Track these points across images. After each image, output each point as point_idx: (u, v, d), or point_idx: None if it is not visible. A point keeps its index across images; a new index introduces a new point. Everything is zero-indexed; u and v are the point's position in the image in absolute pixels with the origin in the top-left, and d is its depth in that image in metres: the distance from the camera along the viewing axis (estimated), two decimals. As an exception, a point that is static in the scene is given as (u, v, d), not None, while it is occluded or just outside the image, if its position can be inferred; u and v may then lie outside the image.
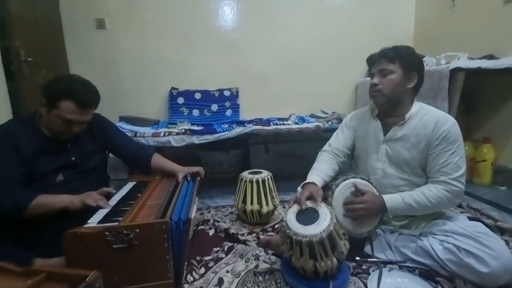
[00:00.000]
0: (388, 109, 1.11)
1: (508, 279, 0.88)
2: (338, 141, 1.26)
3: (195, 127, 1.92)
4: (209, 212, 1.67)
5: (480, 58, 1.77)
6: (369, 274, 1.00)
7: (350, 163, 1.38)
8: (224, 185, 2.17)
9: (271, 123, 2.04)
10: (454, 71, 1.57)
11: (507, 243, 1.14)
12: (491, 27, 1.85)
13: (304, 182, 1.09)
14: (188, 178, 1.30)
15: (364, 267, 1.06)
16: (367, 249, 1.15)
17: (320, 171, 1.14)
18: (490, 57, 1.78)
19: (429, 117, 1.06)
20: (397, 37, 2.40)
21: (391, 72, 1.05)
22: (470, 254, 0.91)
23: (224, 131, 1.79)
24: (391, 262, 1.06)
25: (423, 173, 1.09)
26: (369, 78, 1.17)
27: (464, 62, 1.63)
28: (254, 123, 2.04)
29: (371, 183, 1.11)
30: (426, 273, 0.99)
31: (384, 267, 1.03)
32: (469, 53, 1.79)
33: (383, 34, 2.37)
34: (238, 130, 1.81)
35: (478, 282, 0.91)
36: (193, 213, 1.00)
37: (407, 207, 1.05)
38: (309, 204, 0.97)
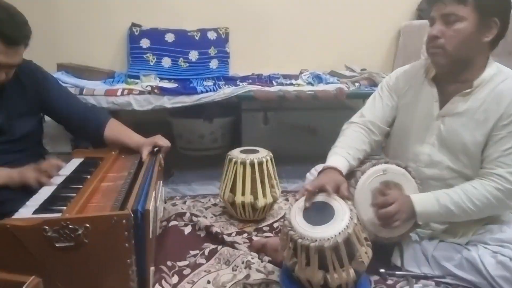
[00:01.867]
0: (452, 71, 1.10)
1: None
2: (375, 110, 1.26)
3: (165, 84, 1.91)
4: (185, 203, 1.71)
5: None
6: (395, 291, 1.07)
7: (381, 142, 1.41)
8: (205, 166, 2.18)
9: (273, 82, 2.03)
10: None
11: None
12: None
13: (323, 166, 1.11)
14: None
15: (389, 282, 1.12)
16: (396, 259, 1.21)
17: (346, 151, 1.15)
18: None
19: (506, 86, 1.06)
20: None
21: (461, 19, 1.02)
22: (528, 270, 0.98)
23: (207, 91, 1.78)
24: (425, 277, 1.13)
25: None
26: (418, 22, 1.16)
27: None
28: (250, 81, 2.02)
29: (409, 172, 1.14)
30: (469, 292, 1.06)
31: (416, 283, 1.10)
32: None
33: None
34: (226, 91, 1.80)
35: (535, 305, 0.98)
36: (154, 203, 1.02)
37: (443, 211, 1.07)
38: (321, 198, 1.01)
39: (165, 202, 1.68)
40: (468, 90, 1.09)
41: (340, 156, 1.13)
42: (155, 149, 1.33)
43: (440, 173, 1.16)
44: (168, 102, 1.74)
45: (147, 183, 1.08)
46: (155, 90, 1.75)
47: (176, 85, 1.89)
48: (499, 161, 1.05)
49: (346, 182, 1.03)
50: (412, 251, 1.20)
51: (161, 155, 1.31)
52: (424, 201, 1.09)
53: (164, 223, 1.44)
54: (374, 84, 1.98)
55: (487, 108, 1.07)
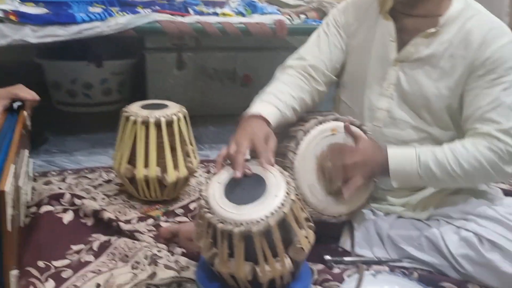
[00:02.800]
0: (412, 2, 1.15)
1: (538, 282, 1.10)
2: (319, 52, 1.29)
3: (29, 8, 1.78)
4: (64, 180, 1.68)
5: None
6: (342, 282, 1.14)
7: (332, 95, 1.46)
8: (94, 129, 2.16)
9: (190, 10, 2.00)
10: None
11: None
12: None
13: (244, 115, 1.10)
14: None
15: (336, 270, 1.20)
16: (345, 242, 1.29)
17: (276, 96, 1.17)
18: None
19: (475, 23, 1.13)
20: None
21: None
22: (495, 248, 1.09)
23: (91, 19, 1.71)
24: (378, 262, 1.22)
25: (452, 124, 1.21)
26: None
27: None
28: (157, 7, 1.98)
29: (364, 132, 1.20)
30: (427, 277, 1.16)
31: (367, 269, 1.17)
32: None
33: None
34: (121, 21, 1.74)
35: (499, 287, 1.11)
36: (14, 182, 1.00)
37: (423, 172, 1.12)
38: (251, 167, 1.02)
39: (35, 180, 1.63)
40: (432, 30, 1.15)
41: (266, 103, 1.14)
42: (15, 104, 1.29)
43: (401, 134, 1.24)
44: (32, 35, 1.64)
45: (1, 153, 1.04)
46: (12, 17, 1.62)
47: (46, 10, 1.77)
48: (485, 118, 1.12)
49: (272, 136, 1.04)
50: (365, 231, 1.28)
51: (25, 113, 1.27)
52: (400, 156, 1.14)
53: (34, 209, 1.40)
54: (325, 16, 2.01)
55: (454, 53, 1.14)
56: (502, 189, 1.37)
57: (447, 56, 1.15)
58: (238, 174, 0.97)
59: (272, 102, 1.15)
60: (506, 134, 1.09)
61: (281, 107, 1.15)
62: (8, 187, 0.90)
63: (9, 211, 0.93)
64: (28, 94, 1.30)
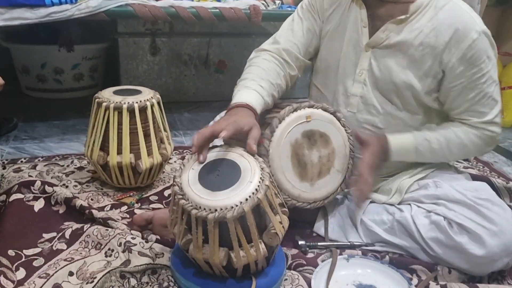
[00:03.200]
0: None
1: (504, 262, 1.13)
2: (293, 36, 1.29)
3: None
4: (34, 167, 1.66)
5: None
6: (316, 266, 1.15)
7: (307, 82, 1.47)
8: (65, 115, 2.13)
9: (163, -6, 1.95)
10: None
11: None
12: None
13: (231, 105, 1.09)
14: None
15: (310, 255, 1.22)
16: (319, 227, 1.32)
17: (258, 83, 1.16)
18: None
19: (446, 15, 1.15)
20: None
21: None
22: (463, 231, 1.13)
23: (60, 2, 1.67)
24: (351, 246, 1.25)
25: (420, 110, 1.24)
26: None
27: None
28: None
29: (338, 119, 1.21)
30: (398, 260, 1.20)
31: (341, 254, 1.20)
32: None
33: None
34: (91, 4, 1.71)
35: (467, 269, 1.15)
36: None
37: (417, 158, 1.25)
38: (222, 153, 1.01)
39: (4, 168, 1.61)
40: (402, 17, 1.16)
41: (252, 90, 1.14)
42: None
43: (374, 119, 1.26)
44: (-1, 18, 1.59)
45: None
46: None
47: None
48: (471, 111, 1.20)
49: (258, 127, 1.03)
50: (339, 216, 1.31)
51: None
52: (402, 151, 1.23)
53: (3, 198, 1.38)
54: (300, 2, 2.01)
55: (424, 42, 1.16)
56: (471, 174, 1.41)
57: (417, 44, 1.16)
58: (201, 159, 0.98)
59: (257, 90, 1.14)
60: (492, 124, 1.21)
61: (265, 95, 1.15)
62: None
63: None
64: None
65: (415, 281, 1.13)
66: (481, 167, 1.85)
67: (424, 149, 1.22)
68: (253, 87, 1.14)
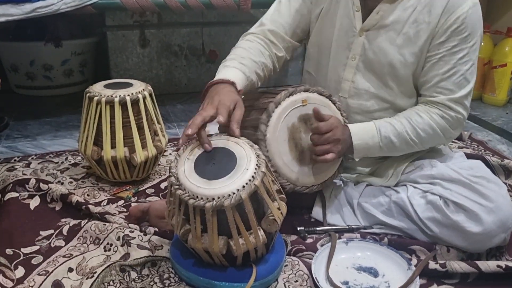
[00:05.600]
0: None
1: (501, 238, 1.14)
2: (279, 17, 1.29)
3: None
4: (28, 165, 1.64)
5: None
6: (316, 251, 1.16)
7: (300, 68, 1.46)
8: (57, 112, 2.12)
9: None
10: None
11: (510, 188, 1.44)
12: None
13: (211, 81, 1.09)
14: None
15: (309, 240, 1.22)
16: (317, 212, 1.32)
17: (239, 61, 1.16)
18: None
19: None
20: None
21: None
22: (460, 209, 1.13)
23: None
24: (350, 230, 1.25)
25: (414, 92, 1.24)
26: None
27: None
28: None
29: (333, 103, 1.21)
30: (397, 241, 1.21)
31: (340, 237, 1.21)
32: None
33: None
34: None
35: (465, 246, 1.16)
36: None
37: (384, 144, 1.19)
38: (217, 141, 1.01)
39: None
40: None
41: (231, 68, 1.14)
42: None
43: (366, 104, 1.26)
44: (-16, 15, 1.57)
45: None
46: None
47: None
48: (440, 87, 1.18)
49: (242, 105, 1.02)
50: (336, 200, 1.31)
51: None
52: (362, 132, 1.18)
53: None
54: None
55: (418, 19, 1.15)
56: (465, 153, 1.41)
57: (411, 21, 1.16)
58: (208, 148, 0.98)
59: (237, 67, 1.14)
60: (457, 103, 1.18)
61: (246, 71, 1.15)
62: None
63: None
64: None
65: (414, 261, 1.13)
66: (476, 146, 1.86)
67: (386, 130, 1.19)
68: (232, 65, 1.15)
